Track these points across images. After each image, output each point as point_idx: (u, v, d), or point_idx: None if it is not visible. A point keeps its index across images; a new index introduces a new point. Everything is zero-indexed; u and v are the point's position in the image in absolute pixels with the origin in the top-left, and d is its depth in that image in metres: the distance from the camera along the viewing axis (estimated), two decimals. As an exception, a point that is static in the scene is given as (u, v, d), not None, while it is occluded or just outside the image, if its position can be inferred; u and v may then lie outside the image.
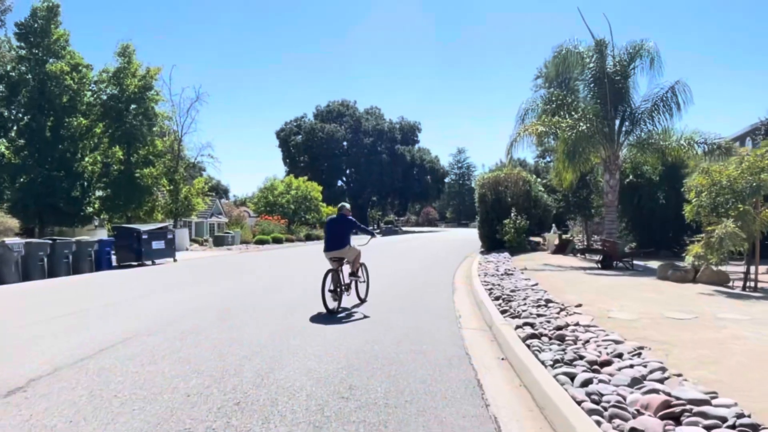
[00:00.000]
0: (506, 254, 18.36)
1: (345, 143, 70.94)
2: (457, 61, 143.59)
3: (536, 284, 9.72)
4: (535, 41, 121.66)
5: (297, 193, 42.15)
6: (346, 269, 7.75)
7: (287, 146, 71.84)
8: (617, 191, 16.74)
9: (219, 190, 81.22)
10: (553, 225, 21.19)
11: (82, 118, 24.61)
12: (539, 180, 23.88)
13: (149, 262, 18.02)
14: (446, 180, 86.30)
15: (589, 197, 21.10)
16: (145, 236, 18.11)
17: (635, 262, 13.57)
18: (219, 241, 31.24)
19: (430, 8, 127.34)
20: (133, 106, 26.68)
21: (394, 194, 76.73)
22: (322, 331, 5.87)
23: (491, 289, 9.29)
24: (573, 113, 16.62)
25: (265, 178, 45.53)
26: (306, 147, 69.54)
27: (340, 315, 6.93)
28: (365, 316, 6.84)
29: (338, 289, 7.17)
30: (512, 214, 19.66)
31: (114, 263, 17.37)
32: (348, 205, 7.96)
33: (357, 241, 8.15)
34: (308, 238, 39.27)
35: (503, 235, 19.76)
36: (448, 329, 6.11)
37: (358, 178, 71.82)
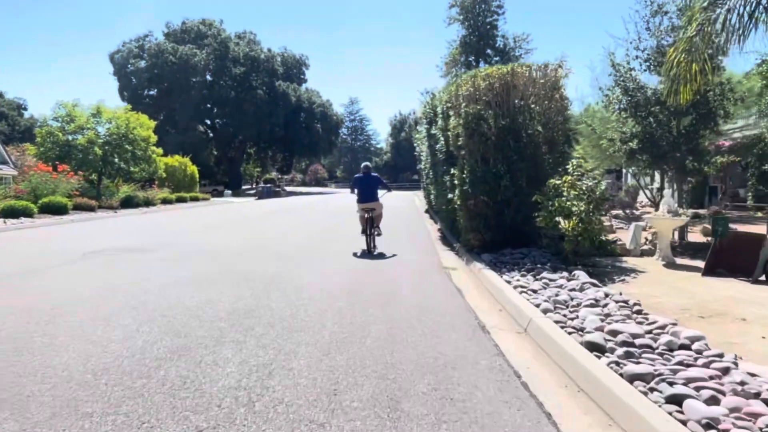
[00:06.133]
0: (583, 275, 6.10)
1: (208, 75, 53.25)
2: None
3: None
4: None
5: (111, 129, 25.55)
6: None
7: (125, 74, 52.09)
8: None
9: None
10: (668, 191, 8.86)
11: None
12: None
13: None
14: (339, 131, 72.32)
15: (703, 128, 9.52)
16: None
17: None
18: None
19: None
20: None
21: (277, 145, 61.12)
22: None
23: None
24: None
25: (55, 103, 28.53)
26: (152, 76, 50.63)
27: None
28: None
29: (371, 233, 9.22)
30: (572, 166, 7.33)
31: None
32: (371, 164, 10.05)
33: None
34: (127, 203, 23.58)
35: (547, 219, 7.36)
36: None
37: (226, 121, 54.85)
